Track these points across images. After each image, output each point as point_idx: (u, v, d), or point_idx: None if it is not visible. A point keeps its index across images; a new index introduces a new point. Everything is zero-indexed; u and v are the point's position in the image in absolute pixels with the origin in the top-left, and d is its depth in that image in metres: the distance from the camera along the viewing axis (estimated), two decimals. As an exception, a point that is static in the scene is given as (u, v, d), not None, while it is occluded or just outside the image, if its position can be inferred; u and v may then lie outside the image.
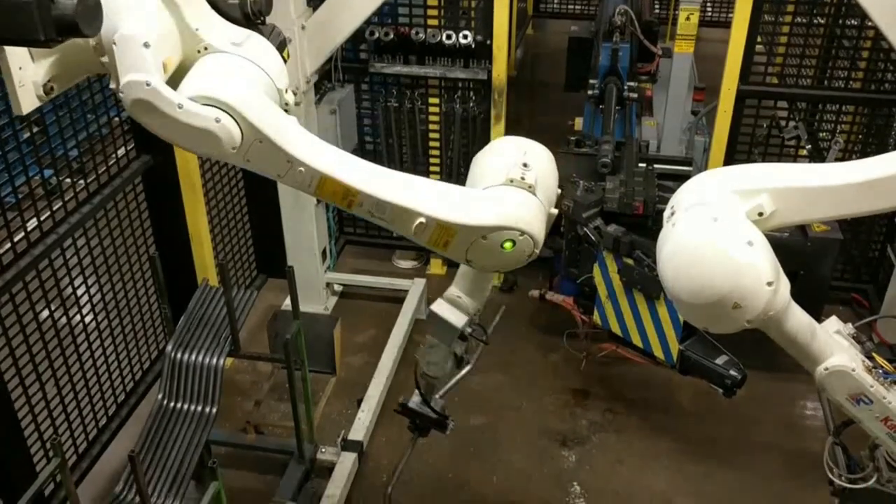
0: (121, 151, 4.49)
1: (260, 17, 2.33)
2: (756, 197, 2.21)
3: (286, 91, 2.37)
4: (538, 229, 2.49)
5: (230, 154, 2.21)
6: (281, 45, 2.41)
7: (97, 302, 4.41)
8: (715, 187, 2.26)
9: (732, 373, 4.28)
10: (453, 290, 2.98)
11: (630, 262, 4.49)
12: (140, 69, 2.04)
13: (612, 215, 4.67)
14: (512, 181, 2.49)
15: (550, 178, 2.68)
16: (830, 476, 2.91)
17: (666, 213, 2.30)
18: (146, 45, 2.02)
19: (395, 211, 2.39)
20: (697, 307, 2.19)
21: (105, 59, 2.12)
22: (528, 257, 2.49)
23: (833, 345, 2.47)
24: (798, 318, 2.36)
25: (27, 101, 2.15)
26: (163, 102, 2.08)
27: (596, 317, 4.91)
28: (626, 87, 5.45)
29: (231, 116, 2.14)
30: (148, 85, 2.04)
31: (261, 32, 2.35)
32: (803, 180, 2.24)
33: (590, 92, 5.57)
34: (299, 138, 2.34)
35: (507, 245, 2.44)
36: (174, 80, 2.20)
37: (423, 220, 2.40)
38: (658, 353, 4.61)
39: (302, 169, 2.32)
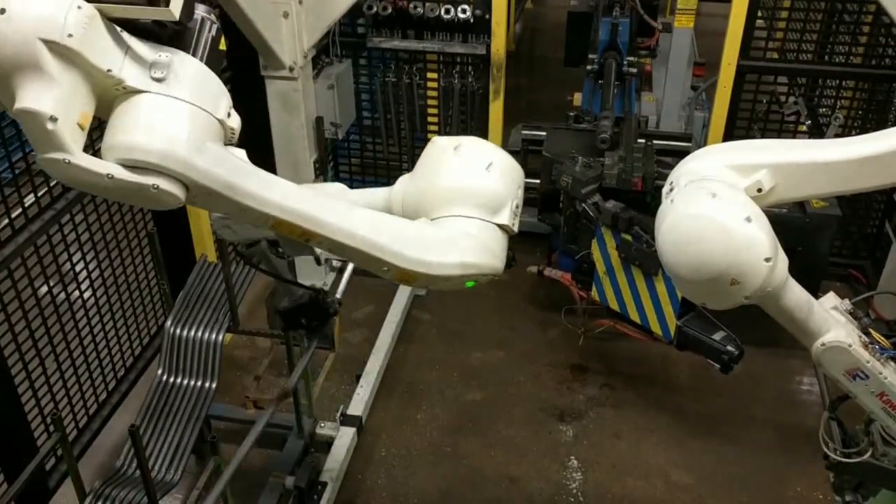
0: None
1: (180, 25, 1.92)
2: (755, 173, 2.19)
3: (228, 116, 2.02)
4: (501, 263, 2.45)
5: (179, 203, 1.93)
6: (216, 39, 2.04)
7: (96, 278, 4.41)
8: (714, 163, 2.25)
9: (730, 348, 4.30)
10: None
11: (628, 238, 4.49)
12: (53, 148, 1.77)
13: (612, 191, 4.66)
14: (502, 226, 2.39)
15: (521, 197, 2.54)
16: (826, 450, 2.92)
17: (665, 189, 2.29)
18: (53, 118, 1.73)
19: (355, 254, 2.23)
20: (696, 283, 2.18)
21: None
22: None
23: (830, 321, 2.46)
24: (796, 294, 2.35)
25: None
26: (89, 175, 1.83)
27: (594, 293, 4.92)
28: (625, 62, 5.39)
29: (168, 176, 1.86)
30: (67, 163, 1.78)
31: (184, 37, 1.97)
32: (803, 156, 2.22)
33: (589, 67, 5.52)
34: (250, 181, 2.03)
35: (470, 284, 2.40)
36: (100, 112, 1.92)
37: (385, 267, 2.25)
38: (656, 328, 4.63)
39: (255, 212, 2.06)
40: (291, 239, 2.29)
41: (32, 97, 1.71)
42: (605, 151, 4.76)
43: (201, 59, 1.98)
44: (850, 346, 2.40)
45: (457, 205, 2.37)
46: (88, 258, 4.33)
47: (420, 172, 2.46)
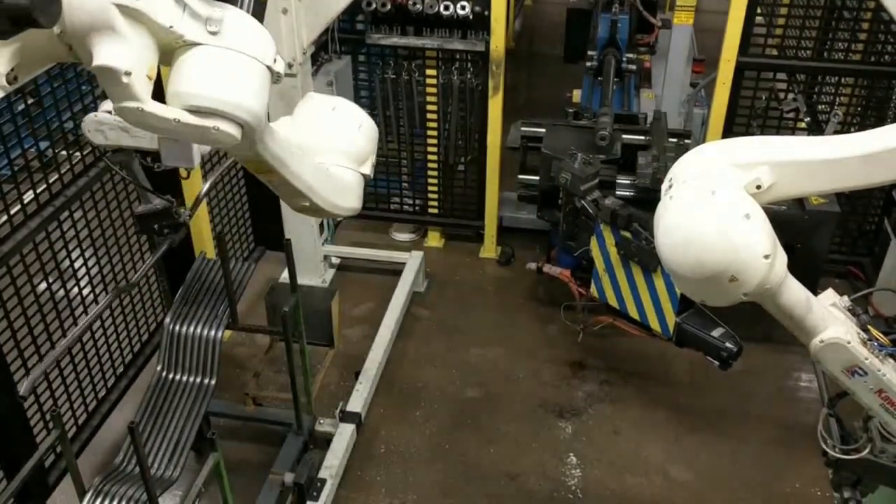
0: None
1: None
2: (755, 170, 2.20)
3: (275, 62, 2.31)
4: (359, 206, 2.92)
5: (234, 143, 2.22)
6: (261, 7, 2.33)
7: (95, 275, 4.41)
8: (713, 159, 2.25)
9: (728, 345, 4.30)
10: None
11: (628, 235, 4.49)
12: (128, 98, 2.02)
13: (645, 191, 4.69)
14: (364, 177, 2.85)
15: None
16: (824, 447, 2.93)
17: (664, 186, 2.30)
18: (127, 73, 1.97)
19: (291, 192, 2.62)
20: (694, 280, 2.19)
21: (73, 48, 2.05)
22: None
23: (828, 317, 2.47)
24: (794, 292, 2.36)
25: None
26: (158, 121, 2.08)
27: (593, 289, 4.92)
28: (624, 59, 5.39)
29: (227, 119, 2.13)
30: (140, 110, 2.04)
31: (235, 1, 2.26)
32: (803, 153, 2.23)
33: (588, 64, 5.51)
34: (281, 128, 2.42)
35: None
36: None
37: (306, 202, 2.66)
38: (655, 325, 4.63)
39: (272, 153, 2.43)
40: (178, 148, 2.83)
41: (108, 55, 1.96)
42: (639, 152, 4.75)
43: (248, 12, 2.27)
44: (848, 342, 2.41)
45: (335, 155, 2.81)
46: (87, 255, 4.33)
47: (301, 121, 2.87)
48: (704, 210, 2.12)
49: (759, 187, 2.19)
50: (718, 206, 2.11)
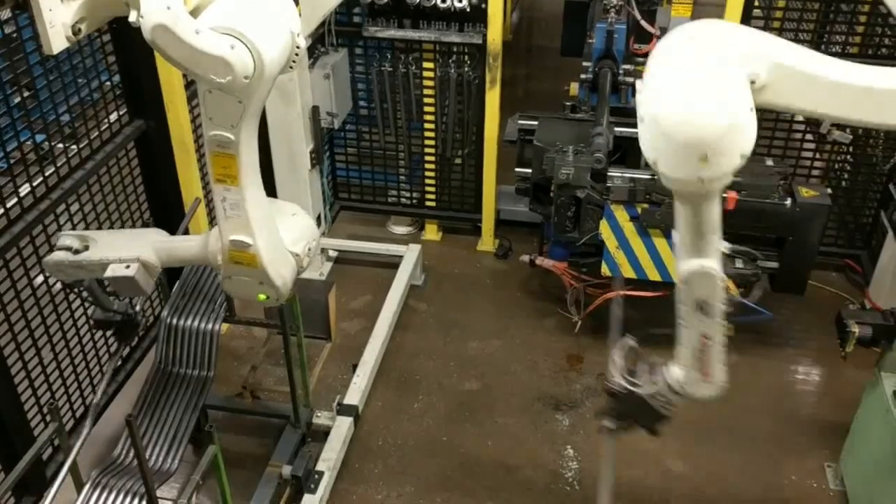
0: (113, 116, 4.45)
1: None
2: (756, 63, 2.09)
3: (298, 35, 2.47)
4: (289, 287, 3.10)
5: (242, 84, 2.32)
6: None
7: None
8: (723, 35, 2.11)
9: (752, 270, 4.58)
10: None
11: (645, 206, 4.69)
12: None
13: (600, 176, 4.71)
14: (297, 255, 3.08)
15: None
16: (612, 371, 2.87)
17: (674, 32, 2.15)
18: None
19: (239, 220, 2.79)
20: (668, 137, 2.06)
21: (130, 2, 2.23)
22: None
23: (718, 251, 2.41)
24: (717, 209, 2.29)
25: (57, 41, 2.29)
26: (181, 26, 2.16)
27: (605, 269, 5.01)
28: (621, 72, 5.17)
29: (246, 46, 2.26)
30: (169, 8, 2.13)
31: None
32: (809, 65, 2.13)
33: (583, 76, 5.29)
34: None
35: (262, 297, 3.04)
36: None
37: (248, 241, 2.83)
38: (654, 276, 4.88)
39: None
40: (127, 286, 3.08)
41: None
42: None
43: None
44: (721, 280, 2.39)
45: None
46: (84, 248, 4.32)
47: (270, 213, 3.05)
48: (723, 88, 2.01)
49: (753, 82, 2.10)
50: (736, 88, 2.01)
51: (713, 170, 2.03)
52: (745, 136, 2.02)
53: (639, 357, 2.94)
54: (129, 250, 3.11)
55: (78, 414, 4.40)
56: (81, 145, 4.21)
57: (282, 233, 3.03)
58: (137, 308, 3.73)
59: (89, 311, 3.79)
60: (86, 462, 4.08)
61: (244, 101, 2.43)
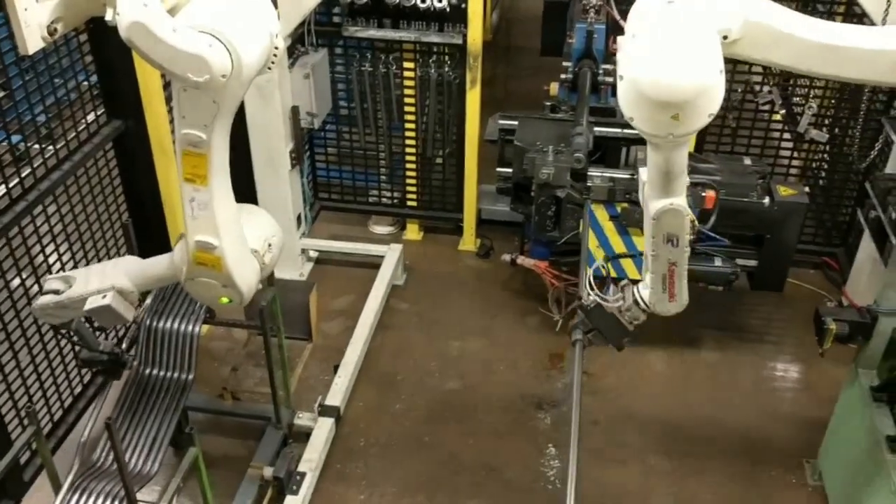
0: (90, 117, 4.41)
1: None
2: (727, 20, 2.26)
3: (276, 36, 2.46)
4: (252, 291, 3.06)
5: (219, 83, 2.30)
6: None
7: (70, 269, 4.36)
8: None
9: (729, 268, 4.73)
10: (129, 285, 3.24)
11: (626, 206, 4.67)
12: None
13: (580, 175, 4.74)
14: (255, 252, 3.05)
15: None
16: (588, 290, 3.14)
17: (631, 14, 2.33)
18: None
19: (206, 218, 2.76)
20: (642, 96, 2.22)
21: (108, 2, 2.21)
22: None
23: (684, 190, 2.63)
24: (684, 154, 2.49)
25: (32, 41, 2.26)
26: (158, 24, 2.14)
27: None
28: (601, 72, 5.17)
29: (223, 45, 2.25)
30: (145, 6, 2.11)
31: None
32: (775, 21, 2.30)
33: (563, 76, 5.29)
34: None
35: (224, 300, 3.00)
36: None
37: (214, 242, 2.80)
38: None
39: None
40: (107, 316, 3.12)
41: None
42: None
43: None
44: (687, 215, 2.62)
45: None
46: (62, 249, 4.28)
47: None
48: (685, 45, 2.17)
49: (725, 38, 2.27)
50: (709, 51, 2.17)
51: (684, 127, 2.24)
52: (713, 98, 2.20)
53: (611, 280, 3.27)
54: (104, 280, 3.16)
55: (56, 417, 4.36)
56: (58, 146, 4.17)
57: (249, 238, 3.04)
58: (124, 346, 3.82)
59: (77, 353, 3.86)
60: (65, 466, 4.04)
61: (219, 100, 2.42)
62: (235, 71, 2.30)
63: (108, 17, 2.23)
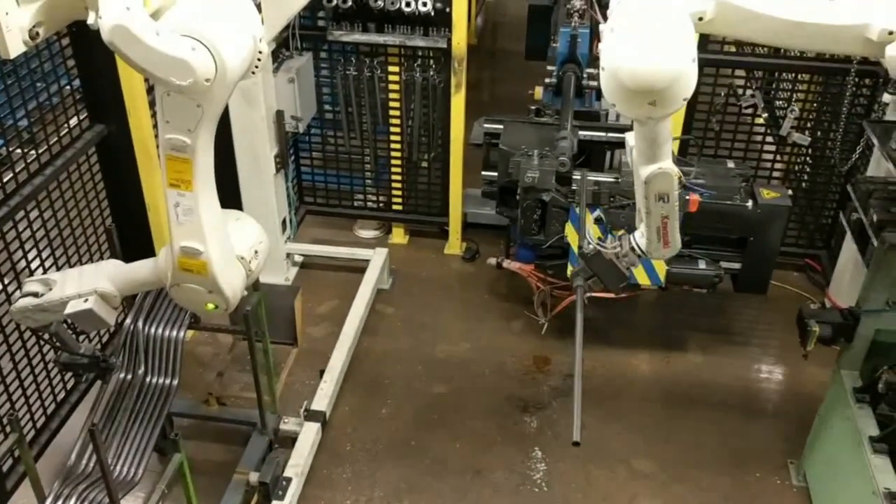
0: (73, 121, 4.39)
1: None
2: (703, 2, 2.42)
3: (261, 40, 2.45)
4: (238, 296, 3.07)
5: (203, 88, 2.29)
6: None
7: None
8: None
9: (713, 271, 4.81)
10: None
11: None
12: None
13: (565, 179, 4.75)
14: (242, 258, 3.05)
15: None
16: (588, 239, 3.42)
17: (611, 6, 2.47)
18: None
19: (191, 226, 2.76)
20: (622, 86, 2.35)
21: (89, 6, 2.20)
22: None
23: (670, 153, 2.84)
24: (668, 126, 2.69)
25: (14, 45, 2.23)
26: (141, 27, 2.13)
27: (571, 271, 5.01)
28: (585, 76, 5.22)
29: (206, 48, 2.23)
30: (128, 9, 2.09)
31: None
32: (748, 1, 2.45)
33: (547, 80, 5.35)
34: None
35: (210, 307, 3.02)
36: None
37: (200, 247, 2.79)
38: (643, 280, 4.86)
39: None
40: (89, 320, 3.08)
41: None
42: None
43: None
44: (675, 175, 2.84)
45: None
46: (45, 254, 4.25)
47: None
48: (660, 35, 2.30)
49: (701, 19, 2.44)
50: (685, 44, 2.30)
51: (661, 111, 2.42)
52: (687, 85, 2.35)
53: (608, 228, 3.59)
54: (85, 284, 3.13)
55: (39, 424, 4.32)
56: (41, 151, 4.14)
57: (233, 243, 3.04)
58: (107, 351, 3.81)
59: (57, 356, 3.82)
60: (48, 473, 4.01)
61: (203, 105, 2.41)
62: (219, 75, 2.29)
63: (91, 20, 2.21)
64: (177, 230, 2.78)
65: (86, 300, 3.09)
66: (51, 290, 3.17)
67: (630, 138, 2.90)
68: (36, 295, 3.16)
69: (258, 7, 2.58)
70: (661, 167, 2.80)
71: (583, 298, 3.45)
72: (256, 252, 3.10)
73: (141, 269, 3.16)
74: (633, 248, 3.24)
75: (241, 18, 2.42)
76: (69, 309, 3.09)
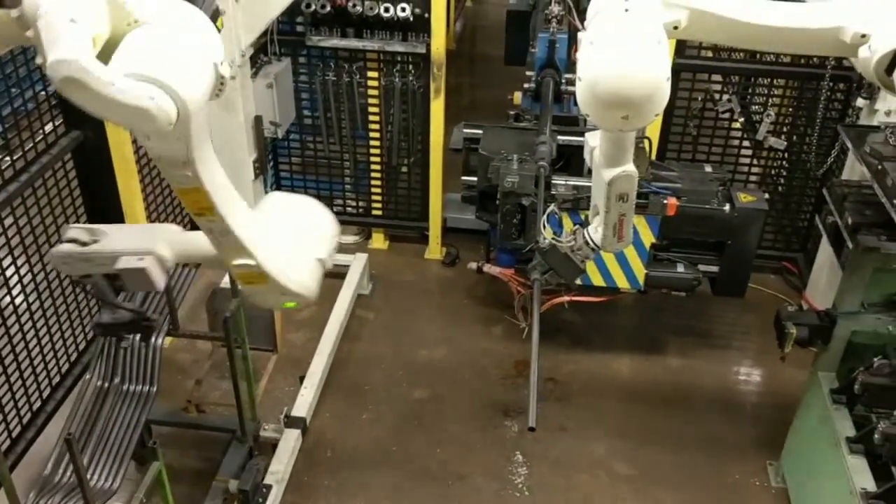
0: (48, 127, 4.35)
1: None
2: (677, 12, 2.45)
3: (221, 63, 2.32)
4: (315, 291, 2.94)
5: (167, 130, 2.17)
6: (214, 15, 2.35)
7: (28, 283, 4.28)
8: None
9: (692, 274, 4.87)
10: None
11: (589, 213, 4.64)
12: (68, 46, 1.93)
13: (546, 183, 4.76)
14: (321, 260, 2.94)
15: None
16: (542, 233, 3.45)
17: (589, 12, 2.49)
18: (73, 20, 1.94)
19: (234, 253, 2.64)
20: (596, 100, 2.38)
21: (30, 33, 2.04)
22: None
23: (631, 157, 2.89)
24: (634, 134, 2.76)
25: None
26: (94, 80, 1.98)
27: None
28: (563, 81, 5.21)
29: (167, 94, 2.09)
30: (78, 59, 1.94)
31: (192, 1, 2.28)
32: (723, 9, 2.49)
33: (526, 86, 5.33)
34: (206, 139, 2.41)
35: (290, 304, 2.90)
36: (103, 57, 2.08)
37: (251, 262, 2.66)
38: (623, 284, 4.92)
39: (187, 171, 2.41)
40: (139, 279, 2.87)
41: (55, 2, 1.96)
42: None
43: (207, 14, 2.29)
44: (633, 176, 2.89)
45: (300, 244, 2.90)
46: (20, 262, 4.20)
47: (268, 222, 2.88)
48: (636, 51, 2.31)
49: (676, 28, 2.46)
50: (661, 63, 2.32)
51: (632, 124, 2.46)
52: (659, 102, 2.36)
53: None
54: (141, 242, 2.93)
55: (14, 433, 4.27)
56: (15, 157, 4.10)
57: (300, 237, 2.91)
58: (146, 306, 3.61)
59: (95, 317, 3.65)
60: (23, 483, 3.96)
61: (182, 137, 2.29)
62: (182, 115, 2.15)
63: (38, 61, 2.05)
64: (222, 253, 2.67)
65: (140, 259, 2.88)
66: (97, 241, 3.01)
67: (591, 138, 2.98)
68: (77, 242, 2.96)
69: (214, 16, 2.46)
70: (625, 170, 2.89)
71: (539, 291, 3.55)
72: (330, 250, 3.01)
73: (202, 243, 2.91)
74: (587, 242, 3.30)
75: (199, 46, 2.26)
76: (121, 264, 2.87)
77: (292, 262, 2.84)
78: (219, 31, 2.37)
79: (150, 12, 2.14)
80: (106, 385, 3.92)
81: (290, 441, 4.56)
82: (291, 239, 2.89)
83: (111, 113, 2.12)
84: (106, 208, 4.76)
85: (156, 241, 2.95)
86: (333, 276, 5.93)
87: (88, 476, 3.54)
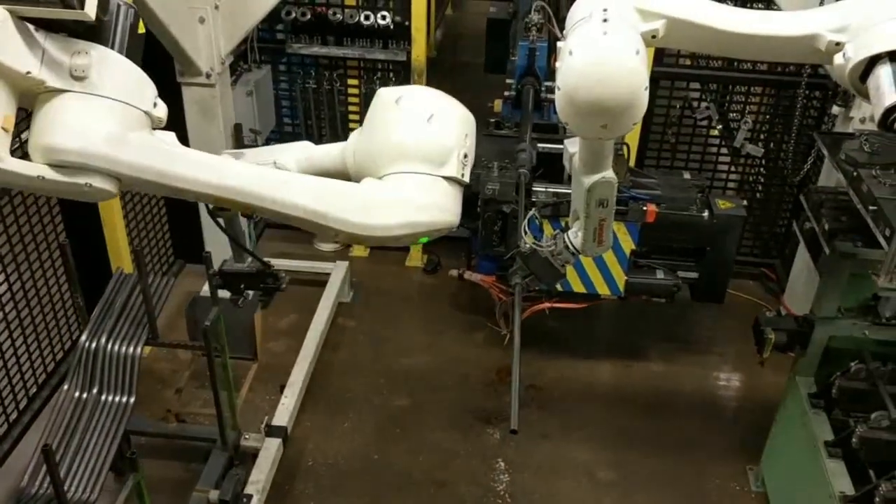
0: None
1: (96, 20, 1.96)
2: (654, 21, 2.45)
3: (154, 105, 2.09)
4: (453, 217, 2.52)
5: (114, 195, 2.04)
6: (134, 25, 2.08)
7: (3, 292, 4.23)
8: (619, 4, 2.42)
9: (671, 280, 4.89)
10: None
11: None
12: None
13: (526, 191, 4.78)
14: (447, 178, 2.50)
15: (470, 146, 2.68)
16: (523, 239, 3.42)
17: (568, 22, 2.45)
18: None
19: (301, 223, 2.35)
20: (575, 109, 2.34)
21: None
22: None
23: (610, 163, 2.88)
24: (612, 142, 2.73)
25: None
26: (20, 179, 1.87)
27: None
28: (543, 88, 5.21)
29: (99, 174, 1.94)
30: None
31: (101, 29, 2.01)
32: (702, 18, 2.49)
33: (506, 93, 5.34)
34: (179, 164, 2.13)
35: (424, 239, 2.54)
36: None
37: (332, 233, 2.39)
38: (603, 290, 4.95)
39: (191, 192, 2.19)
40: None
41: None
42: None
43: (121, 49, 2.01)
44: (613, 182, 2.88)
45: (400, 161, 2.44)
46: (-4, 272, 4.16)
47: (367, 128, 2.56)
48: (613, 62, 2.28)
49: (654, 37, 2.45)
50: (637, 72, 2.28)
51: (610, 133, 2.43)
52: (638, 111, 2.34)
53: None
54: (269, 157, 2.74)
55: (-9, 445, 4.22)
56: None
57: (401, 161, 2.49)
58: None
59: (223, 265, 3.47)
60: (0, 494, 3.91)
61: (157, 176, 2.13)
62: (125, 180, 2.02)
63: None
64: (309, 230, 2.46)
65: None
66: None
67: (570, 145, 2.97)
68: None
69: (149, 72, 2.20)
70: (605, 176, 2.89)
71: (520, 296, 3.55)
72: (466, 136, 2.61)
73: (325, 153, 2.72)
74: (567, 247, 3.32)
75: (125, 97, 2.01)
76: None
77: (393, 198, 2.48)
78: (142, 35, 2.12)
79: (59, 75, 1.93)
80: (84, 395, 3.87)
81: (270, 450, 4.52)
82: (399, 163, 2.50)
83: (54, 193, 1.97)
84: (83, 216, 4.73)
85: (282, 155, 2.76)
86: (314, 284, 5.92)
87: (66, 487, 3.49)
